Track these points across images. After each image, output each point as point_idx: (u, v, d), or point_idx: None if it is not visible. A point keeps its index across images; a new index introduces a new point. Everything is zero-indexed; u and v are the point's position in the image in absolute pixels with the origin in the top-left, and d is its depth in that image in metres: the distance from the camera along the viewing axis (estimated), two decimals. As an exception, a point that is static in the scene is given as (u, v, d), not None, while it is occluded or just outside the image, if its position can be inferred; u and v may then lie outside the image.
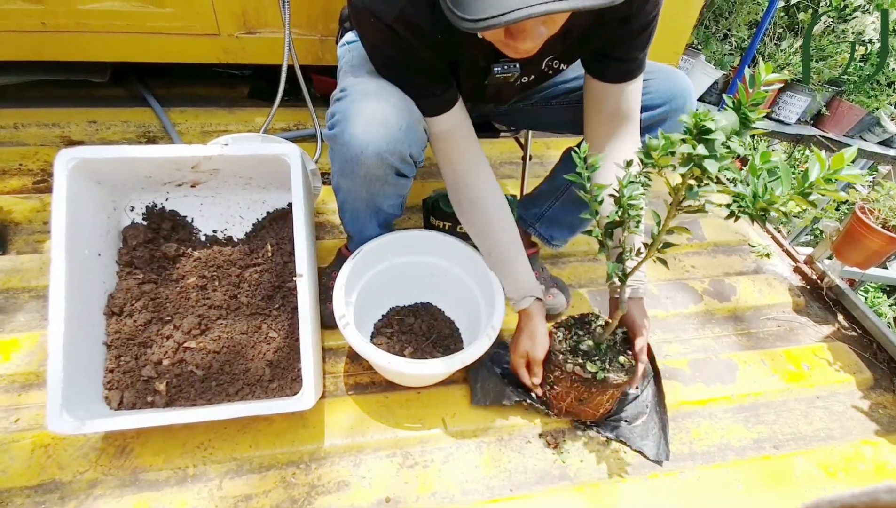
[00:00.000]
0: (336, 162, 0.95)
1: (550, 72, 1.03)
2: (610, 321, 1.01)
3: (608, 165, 0.99)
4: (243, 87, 2.11)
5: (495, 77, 0.94)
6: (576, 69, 1.10)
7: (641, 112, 1.02)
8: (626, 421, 1.14)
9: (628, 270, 0.92)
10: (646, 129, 1.04)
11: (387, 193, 1.00)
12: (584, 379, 0.99)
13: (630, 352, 1.04)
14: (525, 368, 1.08)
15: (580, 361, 1.00)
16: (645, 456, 1.10)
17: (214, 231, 1.23)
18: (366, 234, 1.12)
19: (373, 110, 0.86)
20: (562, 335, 1.06)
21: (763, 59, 2.84)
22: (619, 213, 0.84)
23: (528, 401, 1.12)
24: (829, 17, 2.78)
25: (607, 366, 1.01)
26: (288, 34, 1.55)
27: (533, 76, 1.03)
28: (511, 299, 1.07)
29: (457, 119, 0.97)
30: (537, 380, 1.07)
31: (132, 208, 1.15)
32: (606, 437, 1.12)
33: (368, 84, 0.90)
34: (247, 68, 2.11)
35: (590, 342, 1.04)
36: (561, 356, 1.02)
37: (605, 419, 1.14)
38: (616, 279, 0.92)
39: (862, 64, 2.78)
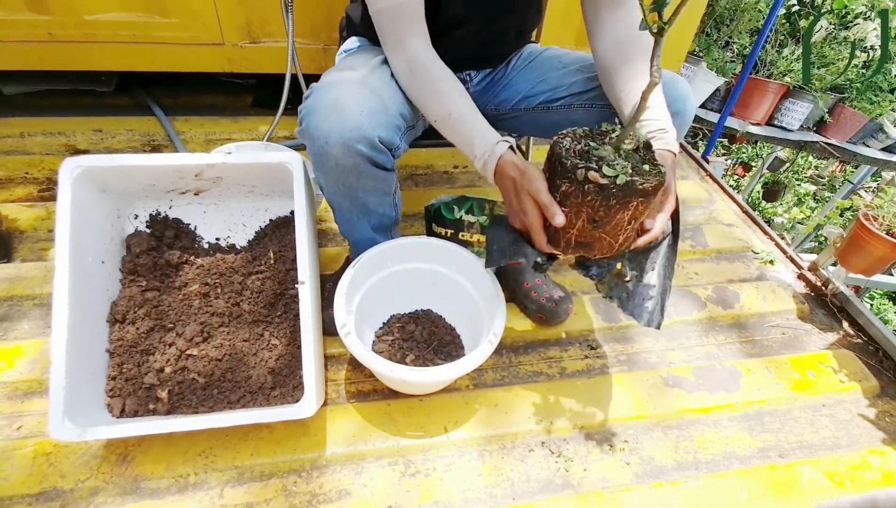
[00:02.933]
0: (311, 158, 0.96)
1: None
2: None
3: (632, 83, 0.91)
4: (247, 96, 2.12)
5: None
6: (575, 73, 1.11)
7: None
8: (627, 279, 0.97)
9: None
10: None
11: (366, 186, 0.98)
12: (600, 186, 0.75)
13: (656, 161, 0.82)
14: (538, 227, 0.88)
15: (594, 166, 0.77)
16: (637, 320, 0.96)
17: (217, 239, 1.23)
18: (357, 236, 1.11)
19: (333, 98, 0.87)
20: (568, 144, 0.82)
21: (764, 66, 2.85)
22: None
23: (546, 258, 0.93)
24: (830, 23, 2.79)
25: (629, 170, 0.78)
26: (291, 43, 1.56)
27: None
28: (484, 154, 0.91)
29: None
30: (560, 219, 0.82)
31: (136, 216, 1.16)
32: (605, 295, 0.99)
33: (332, 76, 0.91)
34: (251, 77, 2.12)
35: (607, 148, 0.80)
36: (569, 162, 0.77)
37: (615, 257, 0.93)
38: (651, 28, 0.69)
39: (864, 71, 2.78)
